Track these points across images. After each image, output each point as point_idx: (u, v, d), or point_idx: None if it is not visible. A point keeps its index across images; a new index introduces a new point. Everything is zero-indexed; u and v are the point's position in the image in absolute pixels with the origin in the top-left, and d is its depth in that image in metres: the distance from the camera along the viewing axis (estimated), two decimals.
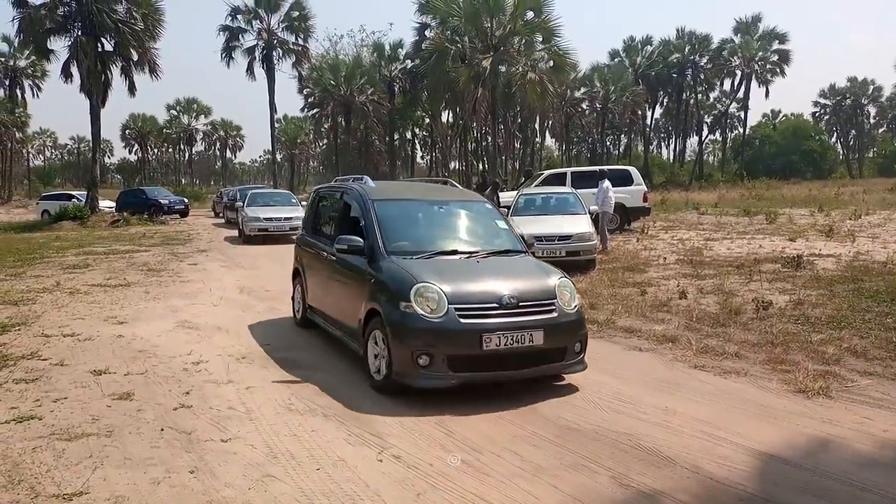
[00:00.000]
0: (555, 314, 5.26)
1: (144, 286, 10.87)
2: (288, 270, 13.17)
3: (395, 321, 5.11)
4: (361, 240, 5.94)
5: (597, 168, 20.83)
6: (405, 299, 5.08)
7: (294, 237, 18.33)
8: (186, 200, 33.49)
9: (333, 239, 6.50)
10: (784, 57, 56.64)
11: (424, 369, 4.97)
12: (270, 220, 19.06)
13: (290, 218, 19.03)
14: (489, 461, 4.08)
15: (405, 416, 4.86)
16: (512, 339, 5.02)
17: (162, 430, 4.57)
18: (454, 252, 5.92)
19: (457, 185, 7.49)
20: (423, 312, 5.01)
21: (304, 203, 22.73)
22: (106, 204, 30.82)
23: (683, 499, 3.57)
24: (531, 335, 5.08)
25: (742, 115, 63.43)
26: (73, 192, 33.49)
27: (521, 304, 5.15)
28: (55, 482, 3.76)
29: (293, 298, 8.15)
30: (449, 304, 5.02)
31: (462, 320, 5.00)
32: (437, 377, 5.00)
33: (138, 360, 6.32)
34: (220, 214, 30.41)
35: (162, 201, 30.59)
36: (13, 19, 28.26)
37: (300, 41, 43.54)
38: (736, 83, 60.30)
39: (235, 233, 20.93)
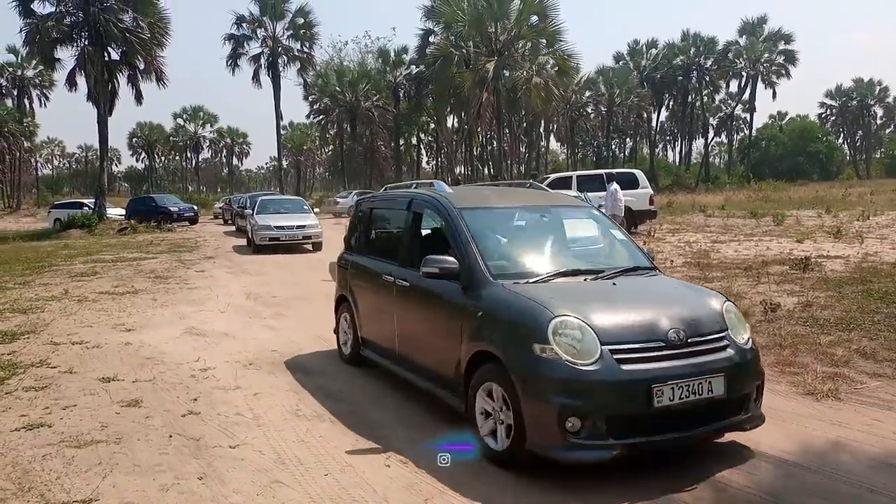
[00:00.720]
0: (731, 351, 4.04)
1: (152, 293, 10.92)
2: (296, 276, 13.33)
3: (528, 370, 3.82)
4: (456, 261, 4.58)
5: (602, 171, 20.83)
6: (541, 339, 3.80)
7: (306, 246, 18.45)
8: (196, 208, 33.67)
9: (400, 260, 5.46)
10: (790, 58, 56.65)
11: (575, 436, 3.68)
12: (282, 228, 18.07)
13: (304, 226, 18.29)
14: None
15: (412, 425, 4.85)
16: (688, 390, 3.79)
17: (170, 436, 4.59)
18: (576, 272, 4.66)
19: (543, 187, 6.25)
20: (568, 357, 3.73)
21: (316, 210, 22.44)
22: (116, 211, 31.00)
23: (692, 503, 3.56)
24: (710, 383, 3.85)
25: (748, 117, 63.45)
26: (84, 201, 33.69)
27: (690, 340, 3.95)
28: (65, 489, 3.78)
29: (337, 331, 6.86)
30: (601, 344, 3.79)
31: (623, 366, 3.76)
32: (596, 447, 3.70)
33: (146, 367, 6.35)
34: (230, 221, 30.46)
35: (171, 209, 30.80)
36: (21, 31, 28.53)
37: (305, 48, 43.80)
38: (741, 85, 60.34)
39: (244, 241, 20.51)
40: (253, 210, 19.67)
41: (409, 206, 5.64)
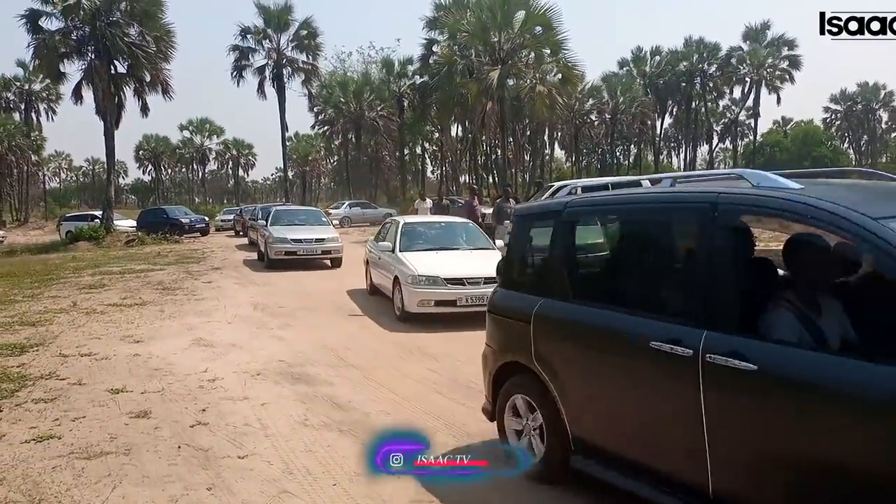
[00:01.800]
0: None
1: (160, 305, 10.96)
2: (300, 287, 13.34)
3: None
4: None
5: (606, 180, 20.82)
6: None
7: (326, 261, 17.04)
8: (206, 219, 33.89)
9: (696, 317, 2.98)
10: (794, 63, 56.57)
11: None
12: (299, 241, 16.30)
13: (323, 240, 16.61)
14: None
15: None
16: None
17: (179, 447, 4.61)
18: None
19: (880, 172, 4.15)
20: None
21: (335, 223, 20.50)
22: (127, 223, 31.16)
23: None
24: None
25: (752, 123, 63.40)
26: (96, 213, 33.80)
27: None
28: (75, 501, 3.80)
29: (499, 417, 4.25)
30: None
31: None
32: None
33: (155, 379, 6.38)
34: (241, 233, 30.35)
35: (183, 220, 31.05)
36: (28, 46, 28.82)
37: (310, 59, 43.99)
38: (745, 90, 60.34)
39: (255, 255, 19.33)
40: (266, 221, 18.07)
41: (710, 217, 3.06)
